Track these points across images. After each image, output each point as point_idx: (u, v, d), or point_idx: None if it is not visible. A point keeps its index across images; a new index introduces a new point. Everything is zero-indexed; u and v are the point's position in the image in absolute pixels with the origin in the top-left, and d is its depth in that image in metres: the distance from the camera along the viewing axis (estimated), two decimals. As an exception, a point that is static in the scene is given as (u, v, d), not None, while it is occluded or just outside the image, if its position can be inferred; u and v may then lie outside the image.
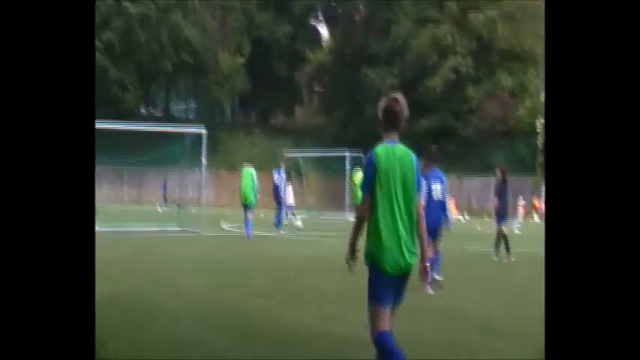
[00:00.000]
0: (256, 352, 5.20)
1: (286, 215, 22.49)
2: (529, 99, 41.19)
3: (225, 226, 22.36)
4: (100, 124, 19.62)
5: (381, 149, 4.20)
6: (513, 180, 19.26)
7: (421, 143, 40.19)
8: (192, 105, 57.19)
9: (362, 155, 34.95)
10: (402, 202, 4.11)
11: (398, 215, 4.10)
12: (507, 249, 13.24)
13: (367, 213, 4.14)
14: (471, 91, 42.98)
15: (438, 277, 8.92)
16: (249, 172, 16.31)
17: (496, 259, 12.97)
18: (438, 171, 9.65)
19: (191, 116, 54.39)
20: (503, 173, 14.26)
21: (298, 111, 57.53)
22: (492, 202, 14.25)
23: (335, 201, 33.51)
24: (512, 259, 12.89)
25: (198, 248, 14.06)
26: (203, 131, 19.10)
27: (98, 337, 5.53)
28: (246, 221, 16.11)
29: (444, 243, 9.48)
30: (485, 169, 36.48)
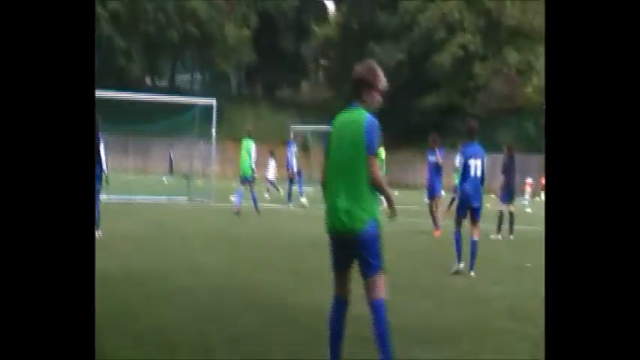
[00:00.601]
0: (277, 330, 5.02)
1: (267, 189, 22.19)
2: (537, 77, 40.67)
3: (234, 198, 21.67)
4: (112, 93, 19.52)
5: (338, 116, 4.19)
6: (521, 158, 19.02)
7: (428, 118, 40.10)
8: (198, 76, 56.54)
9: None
10: (344, 166, 4.01)
11: (339, 179, 4.02)
12: (511, 228, 12.96)
13: (321, 178, 4.19)
14: (478, 68, 42.56)
15: (472, 273, 8.21)
16: (246, 143, 15.67)
17: (497, 236, 12.65)
18: (476, 146, 8.81)
19: (196, 88, 53.77)
20: (511, 150, 14.01)
21: (304, 85, 57.01)
22: (499, 180, 13.99)
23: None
24: (511, 237, 12.61)
25: (209, 222, 13.83)
26: (213, 102, 18.64)
27: (119, 312, 5.20)
28: (236, 191, 15.67)
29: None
30: (493, 146, 36.07)
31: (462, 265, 8.36)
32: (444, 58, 42.23)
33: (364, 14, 49.52)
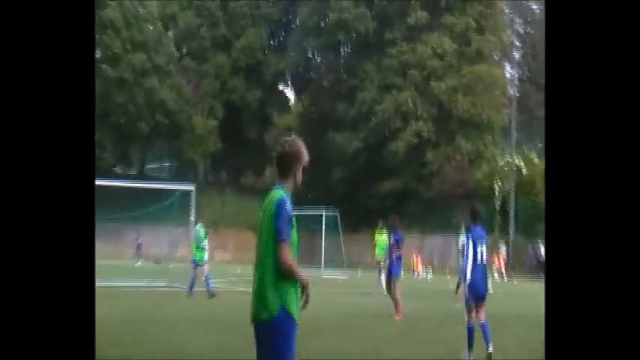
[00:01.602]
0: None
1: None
2: (486, 164, 42.89)
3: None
4: (102, 182, 19.76)
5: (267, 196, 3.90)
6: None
7: (385, 204, 41.41)
8: (166, 164, 57.68)
9: (337, 214, 35.97)
10: (260, 250, 3.76)
11: (257, 263, 3.76)
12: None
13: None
14: (431, 155, 44.52)
15: (490, 349, 7.78)
16: (198, 229, 16.45)
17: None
18: (480, 230, 8.43)
19: (164, 175, 54.87)
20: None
21: (268, 171, 58.46)
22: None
23: (311, 258, 33.90)
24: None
25: (194, 306, 14.14)
26: (192, 188, 19.39)
27: None
28: (190, 277, 16.05)
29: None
30: (447, 227, 37.79)
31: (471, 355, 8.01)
32: (399, 146, 44.18)
33: (324, 105, 51.76)
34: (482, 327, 7.98)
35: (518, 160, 40.43)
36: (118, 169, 50.97)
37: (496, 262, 31.51)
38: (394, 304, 12.98)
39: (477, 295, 8.08)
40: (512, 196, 38.20)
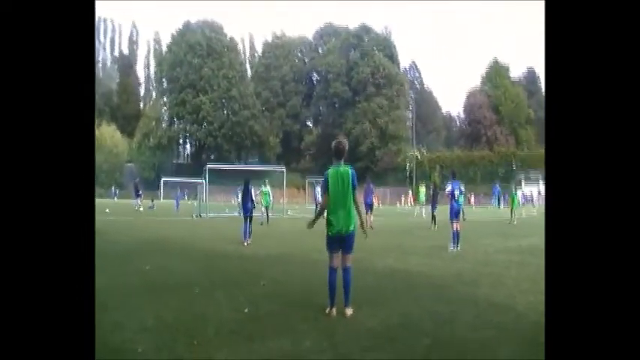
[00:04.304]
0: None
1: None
2: (402, 154, 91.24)
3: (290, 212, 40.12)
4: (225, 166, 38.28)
5: (330, 171, 6.61)
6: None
7: (364, 169, 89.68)
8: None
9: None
10: (341, 197, 6.55)
11: (338, 204, 6.56)
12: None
13: (324, 203, 6.69)
14: (378, 152, 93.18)
15: (452, 248, 14.03)
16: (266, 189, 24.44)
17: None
18: (456, 183, 14.64)
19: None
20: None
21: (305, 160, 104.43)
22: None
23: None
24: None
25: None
26: (284, 169, 38.02)
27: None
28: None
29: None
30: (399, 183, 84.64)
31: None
32: (364, 148, 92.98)
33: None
34: (455, 233, 14.37)
35: (416, 152, 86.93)
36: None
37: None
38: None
39: (453, 215, 14.50)
40: (414, 168, 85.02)
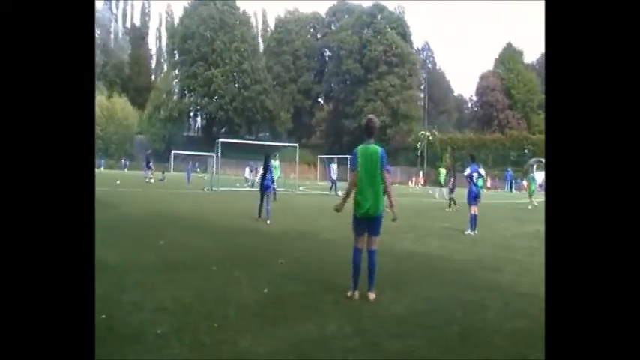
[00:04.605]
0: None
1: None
2: (414, 134, 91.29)
3: (302, 188, 40.86)
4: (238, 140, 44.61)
5: (360, 149, 6.37)
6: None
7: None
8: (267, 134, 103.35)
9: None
10: (370, 177, 6.29)
11: (366, 184, 6.28)
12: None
13: (354, 182, 6.41)
14: (390, 131, 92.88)
15: (469, 232, 13.80)
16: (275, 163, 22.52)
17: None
18: (475, 166, 14.43)
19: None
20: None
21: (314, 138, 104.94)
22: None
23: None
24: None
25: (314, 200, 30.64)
26: (296, 145, 38.38)
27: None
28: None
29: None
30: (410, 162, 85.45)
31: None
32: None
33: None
34: (473, 217, 14.15)
35: (427, 132, 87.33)
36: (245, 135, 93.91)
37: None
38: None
39: (471, 199, 14.28)
40: (425, 148, 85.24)
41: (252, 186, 34.12)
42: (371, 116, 6.65)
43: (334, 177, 33.29)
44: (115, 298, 6.03)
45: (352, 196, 6.50)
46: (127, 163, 74.03)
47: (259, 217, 15.37)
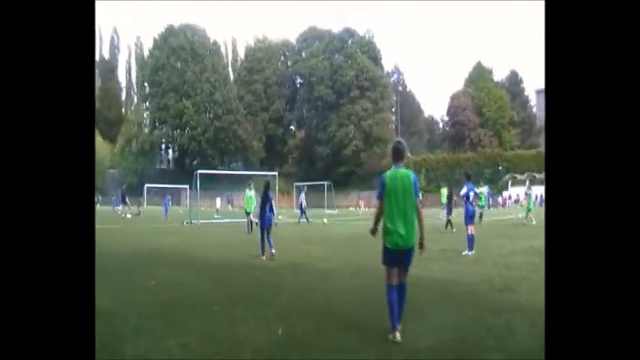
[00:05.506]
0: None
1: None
2: (388, 156, 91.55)
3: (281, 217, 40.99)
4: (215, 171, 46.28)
5: (389, 173, 5.83)
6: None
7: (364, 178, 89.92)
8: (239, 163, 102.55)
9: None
10: (401, 204, 5.69)
11: (396, 212, 5.69)
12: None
13: (381, 210, 5.81)
14: (364, 154, 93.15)
15: (467, 252, 13.36)
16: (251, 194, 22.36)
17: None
18: (470, 185, 14.37)
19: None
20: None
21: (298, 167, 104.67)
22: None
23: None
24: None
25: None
26: (276, 173, 34.93)
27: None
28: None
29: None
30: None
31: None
32: (349, 150, 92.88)
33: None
34: (470, 237, 13.81)
35: None
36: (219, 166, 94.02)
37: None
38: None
39: (468, 219, 14.01)
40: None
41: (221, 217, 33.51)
42: (399, 139, 6.22)
43: (304, 204, 32.85)
44: (117, 351, 5.42)
45: (381, 224, 6.01)
46: (100, 198, 72.46)
47: (263, 254, 13.85)
